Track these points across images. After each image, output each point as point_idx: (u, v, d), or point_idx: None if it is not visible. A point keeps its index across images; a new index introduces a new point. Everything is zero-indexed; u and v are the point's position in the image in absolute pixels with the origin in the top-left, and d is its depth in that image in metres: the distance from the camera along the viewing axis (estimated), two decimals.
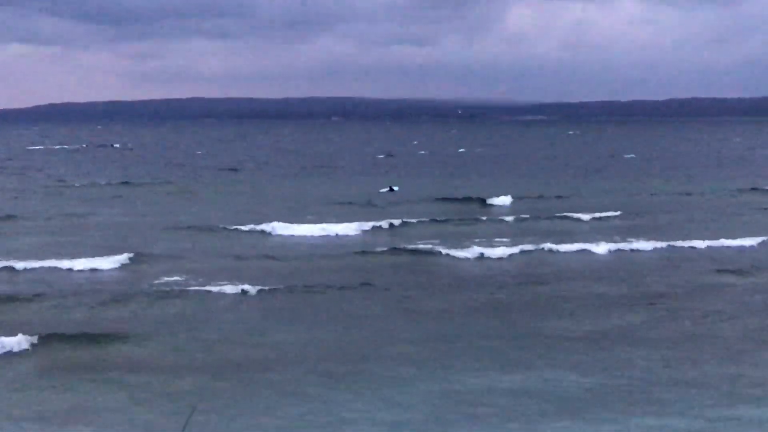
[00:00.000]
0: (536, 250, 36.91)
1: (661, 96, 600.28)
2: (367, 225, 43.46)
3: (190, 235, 40.79)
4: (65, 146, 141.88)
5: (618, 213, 48.77)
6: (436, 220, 45.77)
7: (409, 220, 45.17)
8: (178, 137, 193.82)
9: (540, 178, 74.57)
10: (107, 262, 32.98)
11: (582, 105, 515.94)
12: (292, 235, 41.02)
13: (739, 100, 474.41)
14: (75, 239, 39.37)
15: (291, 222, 43.37)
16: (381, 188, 63.92)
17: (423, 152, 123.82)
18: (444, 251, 36.26)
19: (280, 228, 41.85)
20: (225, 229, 42.06)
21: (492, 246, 37.25)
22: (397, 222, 44.47)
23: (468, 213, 50.52)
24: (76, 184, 68.18)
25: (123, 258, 33.52)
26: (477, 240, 39.04)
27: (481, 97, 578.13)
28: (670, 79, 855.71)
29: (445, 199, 56.13)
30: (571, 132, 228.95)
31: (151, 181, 71.56)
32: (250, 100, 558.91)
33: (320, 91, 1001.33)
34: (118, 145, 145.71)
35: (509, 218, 47.25)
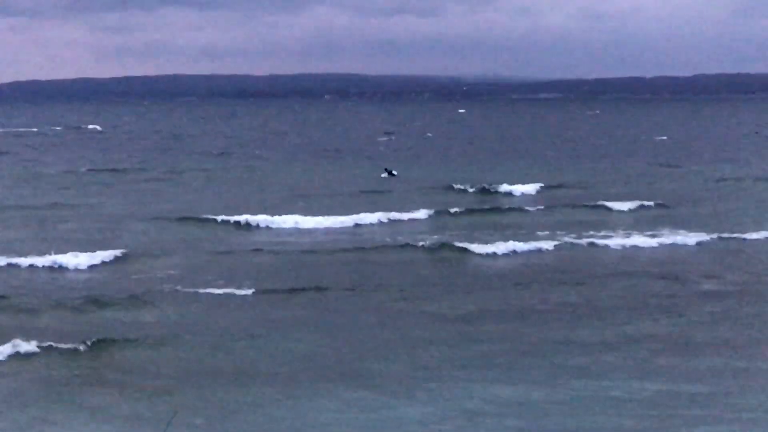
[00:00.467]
0: (572, 244, 36.36)
1: (688, 72, 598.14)
2: (370, 217, 42.75)
3: (180, 228, 40.30)
4: (33, 129, 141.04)
5: (657, 202, 48.17)
6: (449, 212, 45.06)
7: (418, 212, 44.47)
8: (158, 118, 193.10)
9: (563, 163, 73.99)
10: (94, 258, 32.46)
11: (599, 82, 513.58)
12: (286, 228, 40.57)
13: None
14: (56, 233, 38.76)
15: (286, 213, 42.98)
16: (380, 173, 63.88)
17: (429, 134, 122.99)
18: (464, 246, 35.61)
19: (273, 220, 41.25)
20: (217, 221, 41.49)
21: (521, 240, 36.51)
22: (405, 215, 43.71)
23: (487, 202, 49.91)
24: (52, 171, 67.49)
25: (109, 254, 32.99)
26: (502, 233, 38.29)
27: (488, 73, 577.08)
28: (697, 54, 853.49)
29: (457, 188, 55.03)
30: (590, 112, 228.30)
31: (136, 167, 71.11)
32: (234, 77, 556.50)
33: (312, 67, 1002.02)
34: (98, 128, 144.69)
35: (535, 208, 46.54)
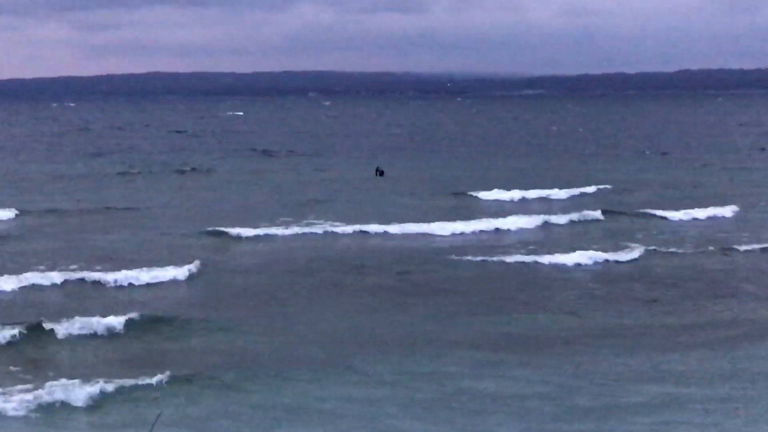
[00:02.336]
0: (651, 253, 34.94)
1: (671, 67, 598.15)
2: (376, 228, 39.91)
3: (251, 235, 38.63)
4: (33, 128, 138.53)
5: (728, 207, 45.16)
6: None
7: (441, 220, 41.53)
8: (152, 116, 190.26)
9: (591, 165, 72.34)
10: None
11: (583, 78, 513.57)
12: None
13: (757, 72, 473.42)
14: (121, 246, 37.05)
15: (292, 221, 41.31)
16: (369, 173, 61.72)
17: (425, 132, 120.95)
18: (530, 259, 33.82)
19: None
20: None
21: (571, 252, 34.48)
22: (413, 227, 40.51)
23: (519, 210, 46.93)
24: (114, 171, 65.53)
25: (186, 269, 31.39)
26: (553, 245, 36.45)
27: (472, 70, 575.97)
28: (681, 50, 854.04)
29: (462, 194, 52.01)
30: (575, 108, 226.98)
31: (168, 168, 69.33)
32: (218, 74, 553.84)
33: (296, 65, 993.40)
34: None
35: (581, 216, 43.79)
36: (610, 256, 33.87)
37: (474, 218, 42.33)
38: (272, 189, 55.97)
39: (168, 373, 20.00)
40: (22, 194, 52.99)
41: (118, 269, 30.82)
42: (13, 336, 23.19)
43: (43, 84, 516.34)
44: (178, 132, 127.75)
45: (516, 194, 51.55)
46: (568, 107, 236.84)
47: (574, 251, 34.10)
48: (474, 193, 51.78)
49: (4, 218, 43.27)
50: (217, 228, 38.71)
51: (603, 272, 32.13)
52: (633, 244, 35.97)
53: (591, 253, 33.96)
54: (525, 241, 37.46)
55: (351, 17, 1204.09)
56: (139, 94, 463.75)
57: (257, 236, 38.68)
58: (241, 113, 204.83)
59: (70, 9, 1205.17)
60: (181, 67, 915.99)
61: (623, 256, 34.15)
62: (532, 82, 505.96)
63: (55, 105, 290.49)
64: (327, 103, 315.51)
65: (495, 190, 51.99)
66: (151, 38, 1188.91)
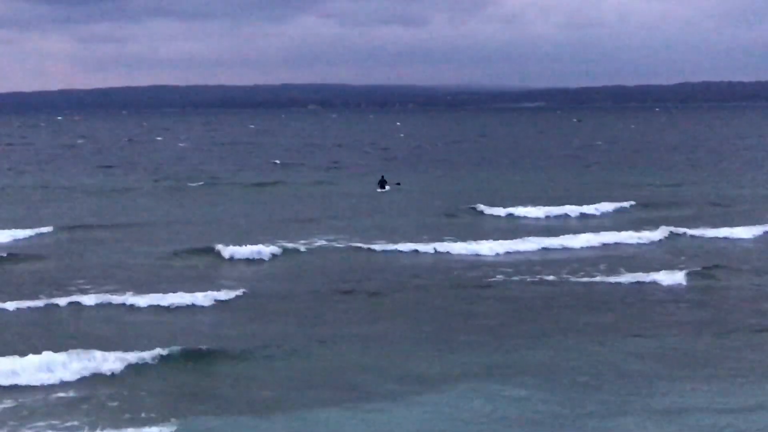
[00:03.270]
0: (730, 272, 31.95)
1: (670, 80, 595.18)
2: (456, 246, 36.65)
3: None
4: (53, 141, 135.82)
5: None
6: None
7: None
8: (159, 128, 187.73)
9: (622, 178, 69.35)
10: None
11: (583, 91, 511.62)
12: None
13: (756, 84, 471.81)
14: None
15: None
16: (377, 187, 58.82)
17: (436, 144, 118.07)
18: (612, 279, 30.80)
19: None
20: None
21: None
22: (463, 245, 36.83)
23: (560, 229, 43.03)
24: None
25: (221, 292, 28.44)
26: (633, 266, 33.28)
27: (471, 83, 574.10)
28: (680, 62, 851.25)
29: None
30: (576, 119, 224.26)
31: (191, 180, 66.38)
32: (218, 87, 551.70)
33: (296, 78, 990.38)
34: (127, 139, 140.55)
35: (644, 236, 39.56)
36: (695, 276, 30.91)
37: (516, 237, 38.80)
38: (315, 203, 53.28)
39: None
40: (54, 208, 50.52)
41: (146, 292, 28.19)
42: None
43: (43, 97, 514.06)
44: (193, 144, 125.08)
45: (548, 210, 47.86)
46: (573, 120, 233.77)
47: (659, 270, 31.23)
48: (498, 210, 47.92)
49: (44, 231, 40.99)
50: (247, 246, 35.52)
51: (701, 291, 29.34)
52: (703, 263, 32.89)
53: (678, 273, 31.01)
54: (593, 261, 34.33)
55: (352, 30, 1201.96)
56: (140, 107, 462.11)
57: (296, 250, 36.00)
58: (252, 125, 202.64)
59: (73, 22, 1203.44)
60: (182, 80, 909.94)
61: (699, 276, 31.14)
62: (531, 95, 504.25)
63: (59, 118, 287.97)
64: (334, 115, 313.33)
65: (530, 207, 48.19)
66: (153, 51, 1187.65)
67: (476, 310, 27.03)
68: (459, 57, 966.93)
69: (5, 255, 34.86)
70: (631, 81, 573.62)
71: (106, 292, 28.52)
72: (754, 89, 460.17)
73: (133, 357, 21.25)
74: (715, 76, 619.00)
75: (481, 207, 48.30)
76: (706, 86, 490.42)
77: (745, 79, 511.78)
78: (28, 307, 26.88)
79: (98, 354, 21.05)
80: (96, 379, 20.46)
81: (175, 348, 21.86)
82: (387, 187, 58.73)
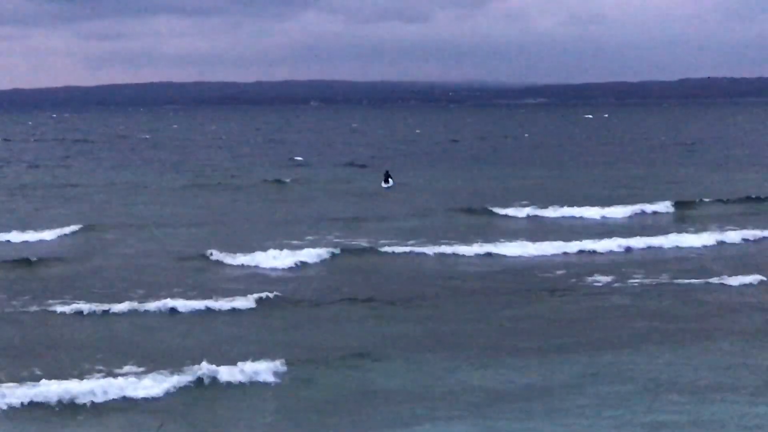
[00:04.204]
0: None
1: (673, 76, 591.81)
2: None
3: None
4: (74, 138, 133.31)
5: None
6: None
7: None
8: (167, 125, 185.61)
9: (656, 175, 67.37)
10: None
11: (585, 86, 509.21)
12: None
13: (759, 80, 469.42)
14: None
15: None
16: (381, 182, 57.61)
17: (451, 144, 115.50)
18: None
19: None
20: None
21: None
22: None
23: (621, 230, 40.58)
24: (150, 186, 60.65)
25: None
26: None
27: (473, 79, 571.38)
28: (683, 58, 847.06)
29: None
30: (588, 116, 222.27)
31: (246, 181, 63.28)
32: (221, 84, 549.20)
33: (298, 74, 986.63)
34: (147, 136, 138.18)
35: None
36: None
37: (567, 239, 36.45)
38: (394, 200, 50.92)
39: None
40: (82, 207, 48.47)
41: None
42: None
43: (47, 94, 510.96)
44: (214, 140, 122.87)
45: (608, 211, 44.88)
46: (582, 116, 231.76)
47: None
48: (552, 210, 45.28)
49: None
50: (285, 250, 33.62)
51: None
52: None
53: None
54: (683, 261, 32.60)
55: (355, 27, 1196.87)
56: (141, 104, 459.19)
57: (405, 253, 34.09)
58: (263, 123, 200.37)
59: (75, 19, 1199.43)
60: (184, 77, 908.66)
61: None
62: (533, 91, 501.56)
63: (67, 115, 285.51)
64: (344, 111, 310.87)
65: (581, 207, 45.33)
66: (154, 48, 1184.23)
67: (567, 315, 25.30)
68: (461, 53, 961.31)
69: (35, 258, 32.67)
70: (633, 77, 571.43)
71: (161, 297, 26.71)
72: (758, 85, 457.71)
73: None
74: (718, 72, 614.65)
75: (528, 208, 45.98)
76: (709, 82, 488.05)
77: (749, 75, 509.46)
78: (88, 312, 25.17)
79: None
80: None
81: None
82: (391, 182, 57.52)
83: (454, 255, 33.99)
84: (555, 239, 36.10)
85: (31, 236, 37.75)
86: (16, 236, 37.67)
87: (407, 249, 34.52)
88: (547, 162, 79.38)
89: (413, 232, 38.44)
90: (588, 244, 35.27)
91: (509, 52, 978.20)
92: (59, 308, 25.46)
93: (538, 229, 40.08)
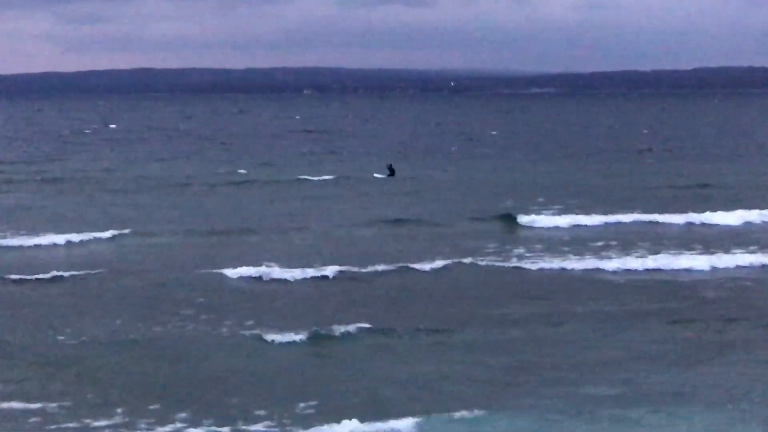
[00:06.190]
0: None
1: (687, 65, 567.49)
2: None
3: None
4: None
5: None
6: None
7: None
8: (166, 115, 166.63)
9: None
10: None
11: (594, 76, 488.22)
12: None
13: None
14: None
15: None
16: (377, 172, 57.62)
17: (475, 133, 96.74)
18: None
19: None
20: None
21: None
22: None
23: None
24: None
25: None
26: None
27: (477, 67, 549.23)
28: (697, 46, 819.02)
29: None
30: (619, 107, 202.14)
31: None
32: (208, 70, 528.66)
33: (291, 61, 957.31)
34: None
35: None
36: None
37: None
38: None
39: None
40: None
41: None
42: None
43: (24, 80, 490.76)
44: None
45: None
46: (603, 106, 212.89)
47: None
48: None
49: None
50: None
51: None
52: None
53: None
54: None
55: (351, 10, 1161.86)
56: (126, 91, 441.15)
57: None
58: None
59: (52, 1, 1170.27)
60: (170, 63, 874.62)
61: None
62: (541, 80, 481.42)
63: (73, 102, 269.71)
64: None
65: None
66: (139, 32, 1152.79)
67: None
68: (464, 39, 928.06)
69: None
70: (645, 66, 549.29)
71: None
72: None
73: None
74: (736, 60, 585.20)
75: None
76: (726, 71, 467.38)
77: (765, 64, 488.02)
78: None
79: None
80: None
81: None
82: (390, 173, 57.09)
83: None
84: None
85: None
86: None
87: None
88: None
89: None
90: None
91: (515, 39, 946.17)
92: None
93: None
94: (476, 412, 17.36)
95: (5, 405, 17.98)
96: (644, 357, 20.91)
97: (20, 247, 34.10)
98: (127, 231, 36.38)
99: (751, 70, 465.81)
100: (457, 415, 17.13)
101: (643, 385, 19.04)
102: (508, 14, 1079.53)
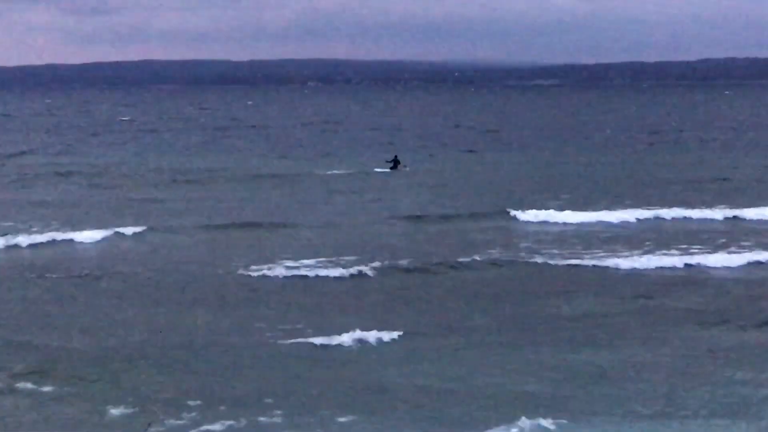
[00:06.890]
0: None
1: (693, 56, 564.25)
2: None
3: None
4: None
5: None
6: None
7: None
8: (178, 106, 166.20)
9: None
10: None
11: (600, 67, 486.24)
12: None
13: None
14: None
15: None
16: (379, 166, 56.82)
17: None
18: None
19: None
20: None
21: None
22: None
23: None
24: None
25: None
26: None
27: (480, 58, 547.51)
28: (704, 37, 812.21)
29: None
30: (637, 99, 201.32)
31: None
32: (212, 62, 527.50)
33: (295, 53, 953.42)
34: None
35: None
36: None
37: None
38: None
39: None
40: None
41: None
42: None
43: (28, 72, 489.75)
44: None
45: None
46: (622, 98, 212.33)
47: None
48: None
49: None
50: None
51: None
52: None
53: None
54: None
55: (357, 2, 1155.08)
56: (131, 83, 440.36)
57: None
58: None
59: None
60: (174, 55, 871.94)
61: None
62: (544, 72, 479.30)
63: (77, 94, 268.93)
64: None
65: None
66: (144, 24, 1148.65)
67: None
68: (469, 31, 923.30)
69: None
70: (650, 56, 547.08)
71: None
72: None
73: None
74: (743, 51, 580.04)
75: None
76: (733, 62, 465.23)
77: None
78: None
79: None
80: None
81: None
82: (401, 167, 56.49)
83: None
84: None
85: None
86: None
87: None
88: None
89: None
90: None
91: (519, 30, 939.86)
92: None
93: None
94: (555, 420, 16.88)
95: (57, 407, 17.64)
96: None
97: (53, 242, 33.68)
98: (145, 227, 35.99)
99: (758, 61, 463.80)
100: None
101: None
102: (513, 5, 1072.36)
